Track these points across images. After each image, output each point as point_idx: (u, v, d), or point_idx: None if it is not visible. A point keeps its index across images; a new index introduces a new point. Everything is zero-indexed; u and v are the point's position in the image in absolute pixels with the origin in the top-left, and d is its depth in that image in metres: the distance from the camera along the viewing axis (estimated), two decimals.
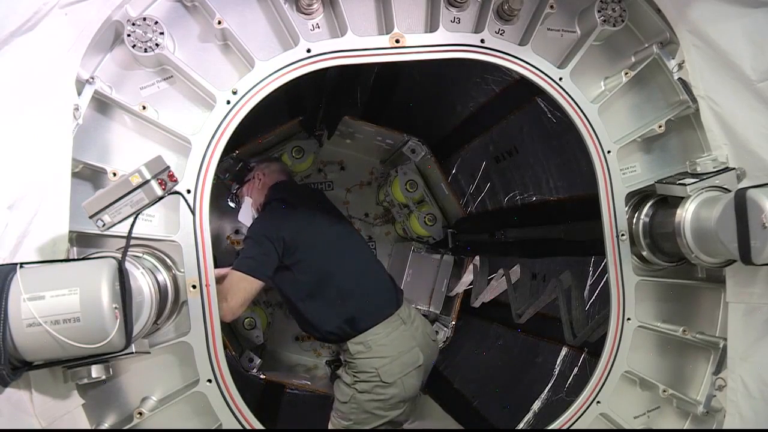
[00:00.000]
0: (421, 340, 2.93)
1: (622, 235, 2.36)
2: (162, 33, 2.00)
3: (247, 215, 3.37)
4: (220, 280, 2.53)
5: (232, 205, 3.66)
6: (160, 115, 2.10)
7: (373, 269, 3.10)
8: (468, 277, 4.36)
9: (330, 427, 2.92)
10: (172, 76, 2.12)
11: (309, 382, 4.18)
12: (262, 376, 4.22)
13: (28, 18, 1.63)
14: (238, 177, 3.45)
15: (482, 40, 2.28)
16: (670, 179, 2.35)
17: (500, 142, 4.11)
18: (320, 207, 3.24)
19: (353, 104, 4.40)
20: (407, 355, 2.83)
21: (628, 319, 2.38)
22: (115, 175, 2.00)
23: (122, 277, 1.66)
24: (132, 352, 1.78)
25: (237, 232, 4.57)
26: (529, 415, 3.29)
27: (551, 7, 2.31)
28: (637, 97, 2.45)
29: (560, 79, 2.34)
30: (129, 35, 1.98)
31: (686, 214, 2.18)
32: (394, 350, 2.80)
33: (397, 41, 2.22)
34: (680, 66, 2.34)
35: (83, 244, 2.02)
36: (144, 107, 2.05)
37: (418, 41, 2.24)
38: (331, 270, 2.86)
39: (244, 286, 2.65)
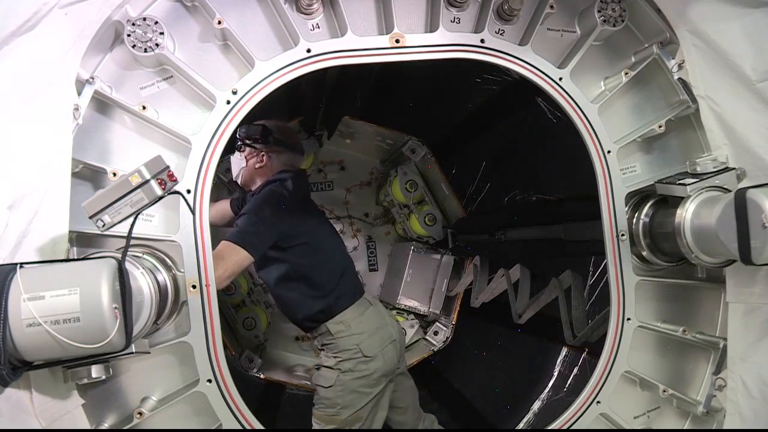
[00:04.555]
0: (389, 320, 3.12)
1: (622, 235, 2.36)
2: (162, 33, 2.00)
3: (236, 166, 3.23)
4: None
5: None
6: (160, 115, 2.10)
7: (348, 255, 3.29)
8: (468, 277, 4.36)
9: (315, 426, 2.92)
10: (172, 76, 2.12)
11: (309, 382, 4.17)
12: (262, 376, 4.22)
13: (28, 18, 1.63)
14: (253, 138, 3.14)
15: (482, 40, 2.28)
16: (670, 179, 2.35)
17: (500, 142, 4.11)
18: (308, 192, 3.37)
19: (353, 104, 4.40)
20: (383, 331, 3.00)
21: (628, 319, 2.38)
22: (115, 175, 2.00)
23: (122, 277, 1.66)
24: (132, 352, 1.77)
25: None
26: (529, 415, 3.29)
27: (551, 7, 2.30)
28: (637, 97, 2.45)
29: (560, 79, 2.34)
30: (129, 35, 1.98)
31: (686, 214, 2.18)
32: (369, 326, 2.96)
33: (397, 41, 2.22)
34: (680, 66, 2.34)
35: (83, 244, 2.02)
36: (144, 107, 2.05)
37: (418, 41, 2.24)
38: (324, 256, 3.00)
39: (236, 258, 2.63)
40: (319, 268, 2.96)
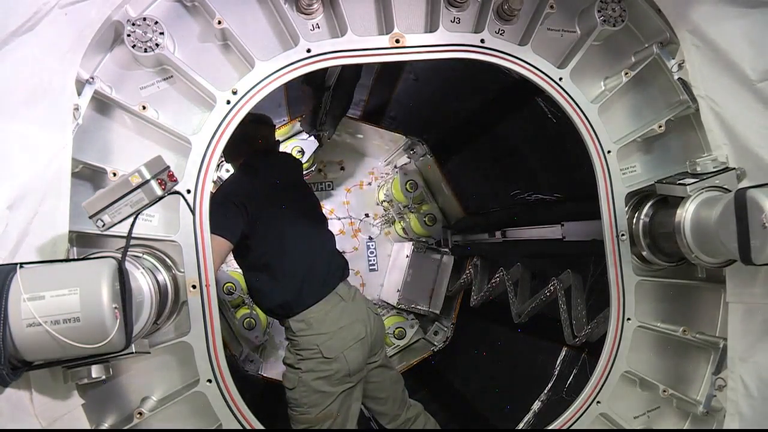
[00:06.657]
0: (363, 315, 2.99)
1: (622, 235, 2.36)
2: (162, 33, 2.00)
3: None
4: None
5: None
6: (160, 115, 2.10)
7: (324, 248, 3.10)
8: (468, 278, 4.37)
9: (292, 426, 2.92)
10: (172, 76, 2.12)
11: None
12: (262, 376, 4.23)
13: (28, 18, 1.63)
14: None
15: (482, 40, 2.28)
16: (670, 179, 2.35)
17: (500, 142, 4.11)
18: (288, 179, 3.20)
19: (353, 104, 4.40)
20: (347, 330, 2.88)
21: (628, 319, 2.38)
22: (115, 175, 2.00)
23: (122, 277, 1.66)
24: (132, 352, 1.78)
25: None
26: (529, 415, 3.29)
27: (551, 7, 2.30)
28: (637, 97, 2.45)
29: (560, 79, 2.34)
30: (129, 35, 1.98)
31: (686, 214, 2.18)
32: (333, 326, 2.86)
33: (397, 41, 2.22)
34: (680, 66, 2.34)
35: (83, 244, 2.02)
36: (144, 107, 2.05)
37: (418, 41, 2.24)
38: (287, 247, 2.90)
39: (213, 246, 2.52)
40: (281, 259, 2.87)
